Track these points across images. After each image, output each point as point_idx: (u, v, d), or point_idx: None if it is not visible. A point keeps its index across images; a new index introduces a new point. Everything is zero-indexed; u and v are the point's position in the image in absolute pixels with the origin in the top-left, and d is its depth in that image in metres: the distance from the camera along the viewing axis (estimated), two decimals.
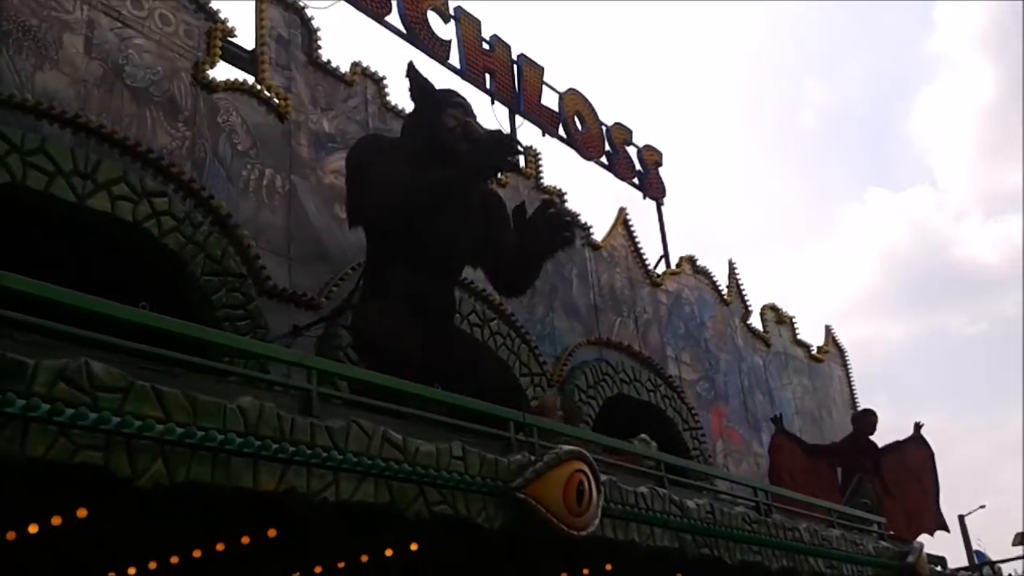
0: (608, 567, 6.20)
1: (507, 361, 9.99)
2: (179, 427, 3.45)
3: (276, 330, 7.50)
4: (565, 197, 11.87)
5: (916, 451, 12.47)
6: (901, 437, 12.73)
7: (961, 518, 23.40)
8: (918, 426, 12.74)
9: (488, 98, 11.30)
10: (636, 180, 13.83)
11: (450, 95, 7.69)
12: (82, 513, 3.51)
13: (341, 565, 4.94)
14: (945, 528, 12.49)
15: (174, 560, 4.30)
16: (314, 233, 8.48)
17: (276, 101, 8.66)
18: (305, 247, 8.35)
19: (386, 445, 4.26)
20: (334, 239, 8.54)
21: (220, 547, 4.19)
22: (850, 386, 17.02)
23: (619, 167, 13.49)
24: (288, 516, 3.94)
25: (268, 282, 7.79)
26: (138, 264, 7.17)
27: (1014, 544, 20.95)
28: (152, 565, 4.38)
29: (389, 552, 4.82)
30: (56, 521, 3.58)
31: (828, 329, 17.34)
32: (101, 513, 3.59)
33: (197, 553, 4.25)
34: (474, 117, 7.66)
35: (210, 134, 7.99)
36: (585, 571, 6.25)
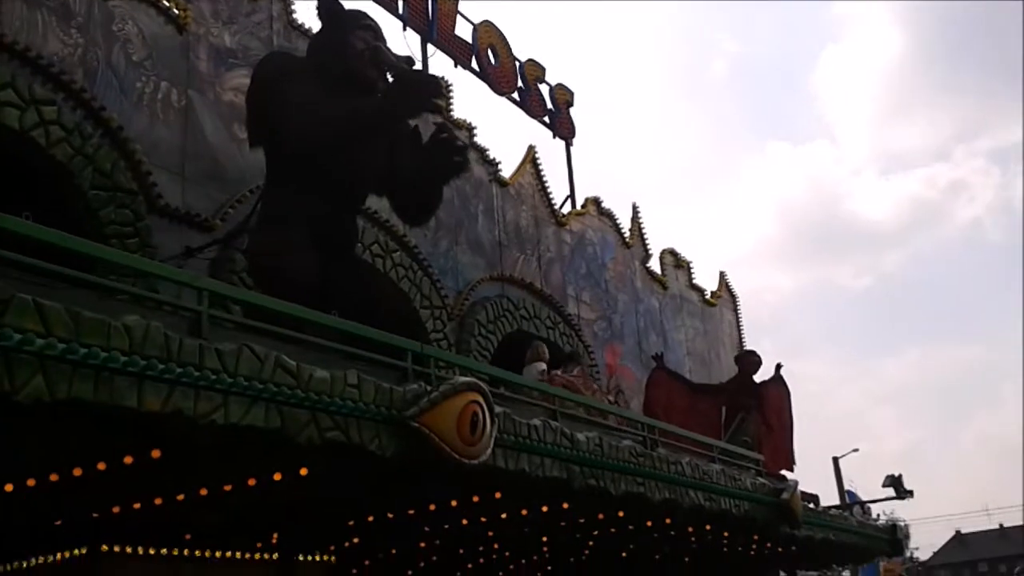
0: (498, 495, 6.34)
1: (408, 293, 9.97)
2: (61, 343, 3.33)
3: (167, 251, 7.27)
4: (475, 131, 11.78)
5: (777, 391, 13.07)
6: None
7: (835, 460, 24.83)
8: (778, 367, 13.35)
9: (400, 24, 11.05)
10: (547, 119, 13.83)
11: (359, 17, 7.47)
12: None
13: (228, 488, 4.90)
14: (793, 464, 13.14)
15: (54, 478, 4.19)
16: (210, 152, 8.20)
17: (175, 12, 8.27)
18: (200, 166, 8.07)
19: (279, 370, 4.20)
20: (232, 159, 8.28)
21: (101, 466, 4.10)
22: (739, 330, 17.67)
23: (530, 104, 13.45)
24: (173, 437, 3.86)
25: (160, 200, 7.52)
26: (22, 174, 6.82)
27: (884, 486, 22.36)
28: (31, 482, 4.25)
29: (278, 476, 4.79)
30: None
31: (722, 275, 17.91)
32: None
33: (78, 471, 4.15)
34: (384, 42, 7.46)
35: (104, 42, 7.59)
36: (475, 498, 6.38)
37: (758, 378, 13.09)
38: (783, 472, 12.33)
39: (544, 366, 9.75)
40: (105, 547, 6.09)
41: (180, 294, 4.68)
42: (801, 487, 10.67)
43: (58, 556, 6.28)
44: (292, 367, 4.28)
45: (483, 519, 7.30)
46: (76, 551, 6.18)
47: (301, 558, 6.88)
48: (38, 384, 3.24)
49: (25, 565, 6.47)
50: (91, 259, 4.28)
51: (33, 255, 3.65)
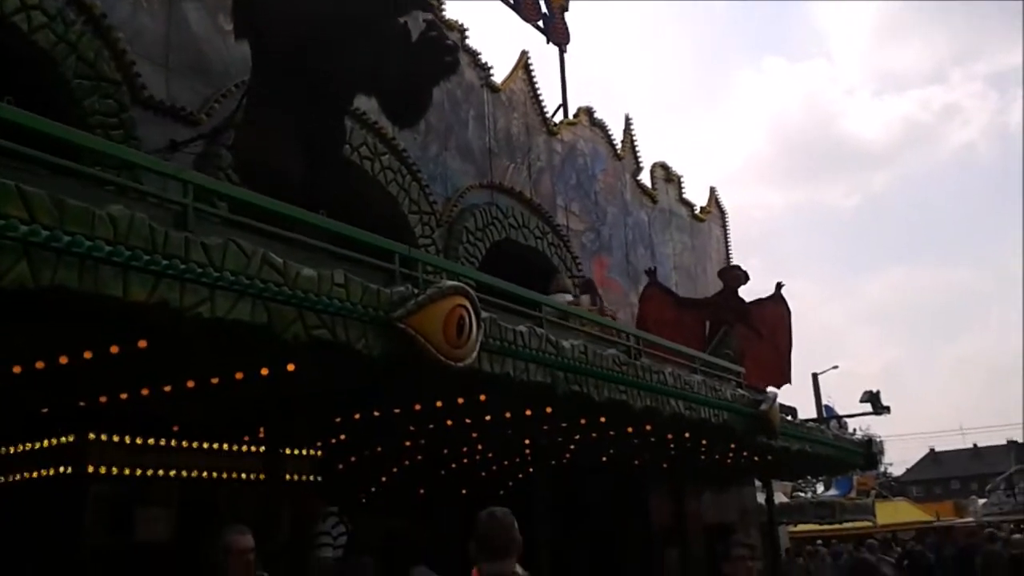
0: (482, 398, 6.43)
1: (396, 198, 9.90)
2: (44, 230, 3.29)
3: (151, 144, 7.15)
4: (466, 33, 11.52)
5: (775, 309, 13.22)
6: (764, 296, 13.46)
7: (815, 376, 25.24)
8: (779, 285, 13.46)
9: None
10: (541, 23, 13.52)
11: None
12: None
13: (215, 381, 4.94)
14: (789, 382, 13.41)
15: (39, 365, 4.20)
16: (195, 43, 7.99)
17: None
18: (185, 57, 7.87)
19: (265, 267, 4.18)
20: (217, 52, 8.07)
21: (87, 355, 4.11)
22: (727, 246, 17.72)
23: (524, 7, 13.15)
24: (159, 328, 3.86)
25: (144, 92, 7.36)
26: (4, 62, 6.64)
27: (862, 401, 22.80)
28: (16, 369, 4.27)
29: (265, 371, 4.83)
30: None
31: (712, 190, 17.85)
32: None
33: (64, 360, 4.16)
34: None
35: None
36: (460, 400, 6.47)
37: (752, 295, 13.24)
38: (780, 388, 12.57)
39: (570, 297, 9.76)
40: (92, 435, 6.19)
41: (165, 187, 4.62)
42: (780, 401, 10.88)
43: (45, 443, 6.37)
44: (279, 264, 4.26)
45: (467, 420, 7.43)
46: (64, 439, 6.27)
47: (288, 452, 6.99)
48: (22, 270, 3.21)
49: (12, 451, 6.58)
50: (75, 148, 4.20)
51: (15, 142, 3.58)
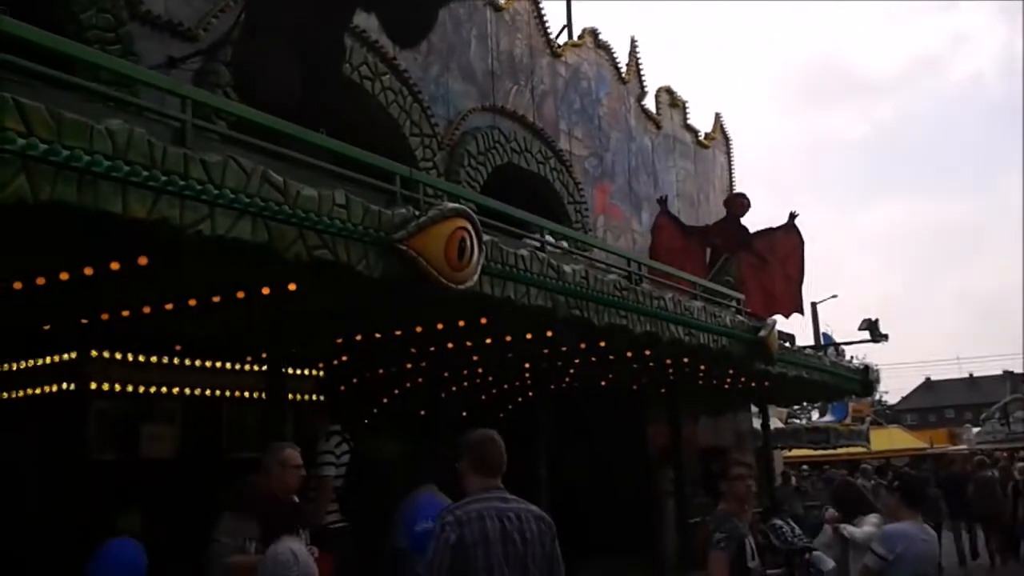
0: (483, 321, 6.45)
1: (397, 119, 9.77)
2: (43, 143, 3.24)
3: (149, 60, 7.02)
4: None
5: (786, 238, 13.21)
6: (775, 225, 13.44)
7: (814, 304, 25.34)
8: (792, 215, 13.42)
9: None
10: None
11: None
12: None
13: (216, 299, 4.95)
14: (800, 312, 13.49)
15: (40, 281, 4.20)
16: None
17: None
18: None
19: (265, 185, 4.14)
20: None
21: (88, 271, 4.10)
22: (731, 174, 17.58)
23: None
24: (160, 246, 3.85)
25: (141, 7, 7.20)
26: None
27: (860, 328, 22.92)
28: (17, 285, 4.27)
29: (266, 291, 4.83)
30: None
31: (717, 116, 17.62)
32: None
33: (65, 276, 4.16)
34: None
35: None
36: (461, 323, 6.49)
37: (756, 225, 13.21)
38: (789, 317, 12.62)
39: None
40: (95, 352, 6.25)
41: (163, 103, 4.55)
42: (778, 328, 10.94)
43: (48, 359, 6.44)
44: (279, 183, 4.22)
45: (468, 343, 7.47)
46: (66, 355, 6.33)
47: (290, 371, 7.05)
48: (20, 184, 3.17)
49: (15, 367, 6.64)
50: (72, 61, 4.13)
51: (12, 55, 3.51)
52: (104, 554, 5.24)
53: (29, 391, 6.54)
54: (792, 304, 13.25)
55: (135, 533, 5.44)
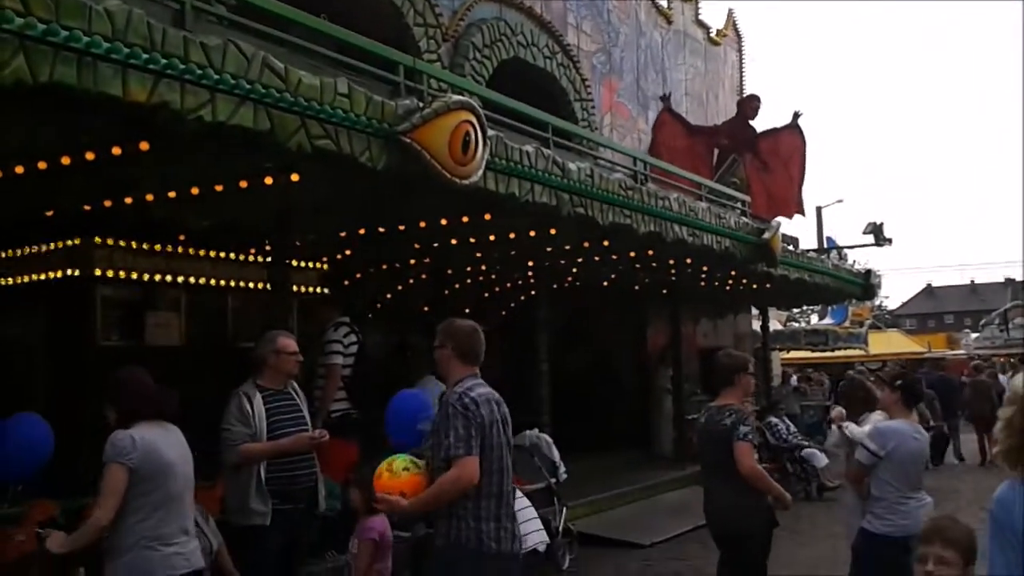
0: (487, 217, 6.44)
1: (400, 8, 9.52)
2: (41, 23, 3.17)
3: None
4: None
5: (790, 138, 13.04)
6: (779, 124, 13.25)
7: (819, 209, 25.21)
8: (796, 115, 13.21)
9: None
10: None
11: None
12: None
13: (219, 188, 4.93)
14: (802, 213, 13.44)
15: (42, 165, 4.18)
16: None
17: None
18: None
19: (266, 71, 4.06)
20: None
21: (90, 156, 4.08)
22: (741, 73, 17.23)
23: None
24: (162, 132, 3.81)
25: None
26: None
27: (865, 232, 22.88)
28: (19, 169, 4.25)
29: (269, 180, 4.81)
30: None
31: (730, 12, 17.16)
32: None
33: (66, 160, 4.13)
34: None
35: None
36: (465, 219, 6.49)
37: (769, 125, 13.03)
38: (792, 218, 12.58)
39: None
40: (99, 239, 6.27)
41: None
42: (782, 231, 10.92)
43: (51, 245, 6.48)
44: (280, 69, 4.14)
45: (472, 240, 7.48)
46: (70, 241, 6.36)
47: (295, 264, 7.08)
48: (19, 65, 3.12)
49: (20, 253, 6.68)
50: None
51: None
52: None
53: (35, 276, 6.60)
54: (796, 205, 13.20)
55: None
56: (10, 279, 6.79)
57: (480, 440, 3.41)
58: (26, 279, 6.66)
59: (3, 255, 6.82)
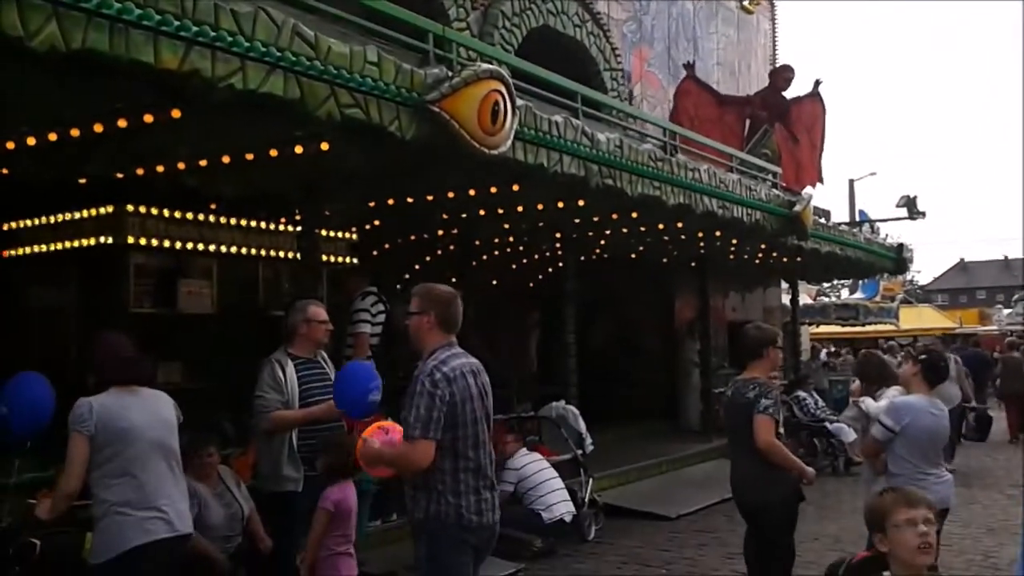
0: (515, 188, 6.41)
1: None
2: None
3: None
4: None
5: (811, 107, 12.84)
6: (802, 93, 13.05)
7: (851, 181, 24.90)
8: (817, 83, 13.01)
9: None
10: None
11: None
12: None
13: (250, 157, 4.95)
14: (822, 181, 13.25)
15: (75, 133, 4.22)
16: None
17: None
18: None
19: (296, 39, 4.05)
20: None
21: (122, 123, 4.11)
22: (774, 42, 16.97)
23: None
24: (193, 99, 3.82)
25: None
26: None
27: (898, 205, 22.54)
28: (52, 136, 4.29)
29: (299, 149, 4.82)
30: None
31: None
32: None
33: (99, 128, 4.17)
34: None
35: None
36: (493, 189, 6.47)
37: (791, 93, 12.80)
38: (813, 187, 12.41)
39: None
40: (131, 207, 6.34)
41: None
42: (814, 203, 10.79)
43: (85, 213, 6.56)
44: (310, 37, 4.14)
45: (500, 211, 7.46)
46: (103, 209, 6.43)
47: (324, 233, 7.12)
48: (52, 32, 3.13)
49: (54, 220, 6.78)
50: None
51: None
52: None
53: (69, 244, 6.69)
54: (817, 174, 13.02)
55: (176, 383, 5.56)
56: (44, 246, 6.89)
57: (452, 417, 3.33)
58: (60, 246, 6.76)
59: (38, 222, 6.92)
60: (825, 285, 25.21)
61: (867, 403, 5.12)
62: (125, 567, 3.37)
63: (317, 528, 4.30)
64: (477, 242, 9.86)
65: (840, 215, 21.35)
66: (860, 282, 24.21)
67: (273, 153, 4.89)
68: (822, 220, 12.26)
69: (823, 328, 23.12)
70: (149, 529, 3.41)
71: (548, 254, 10.70)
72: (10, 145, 4.51)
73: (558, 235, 9.17)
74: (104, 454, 3.41)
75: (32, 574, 3.68)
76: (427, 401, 3.28)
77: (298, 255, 6.65)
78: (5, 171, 5.15)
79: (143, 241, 6.47)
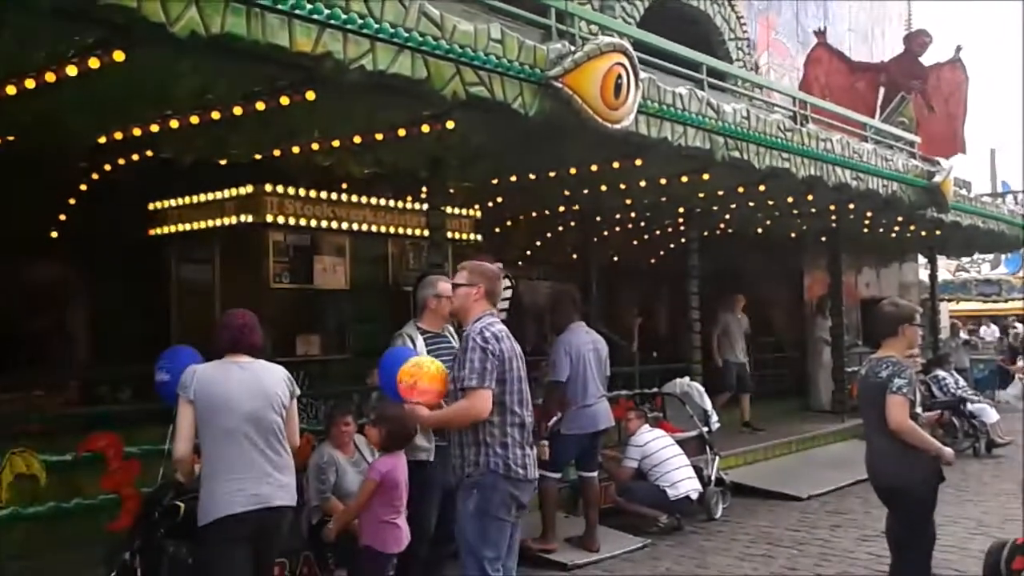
0: (638, 162, 6.35)
1: None
2: None
3: None
4: None
5: (951, 74, 12.16)
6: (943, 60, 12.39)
7: (992, 152, 23.51)
8: (958, 49, 12.30)
9: None
10: None
11: None
12: (119, 56, 3.54)
13: (379, 137, 5.08)
14: (964, 152, 12.56)
15: (215, 115, 4.43)
16: None
17: None
18: None
19: (423, 19, 4.14)
20: None
21: (260, 106, 4.29)
22: (910, 6, 16.12)
23: None
24: (326, 81, 3.96)
25: None
26: None
27: None
28: (194, 119, 4.52)
29: (426, 128, 4.92)
30: (94, 63, 3.62)
31: None
32: (138, 60, 3.62)
33: (238, 110, 4.36)
34: None
35: None
36: (615, 164, 6.42)
37: (929, 59, 12.18)
38: (951, 157, 11.81)
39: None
40: (269, 187, 6.66)
41: None
42: (954, 174, 10.23)
43: (226, 193, 6.93)
44: (436, 16, 4.21)
45: (622, 186, 7.40)
46: (242, 189, 6.79)
47: (448, 210, 7.27)
48: (192, 17, 3.30)
49: (198, 200, 7.18)
50: None
51: None
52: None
53: (212, 222, 7.08)
54: (956, 144, 12.32)
55: (314, 355, 5.73)
56: (189, 224, 7.30)
57: (501, 373, 3.55)
58: (202, 224, 7.16)
59: (182, 202, 7.34)
60: (966, 259, 23.88)
61: None
62: (213, 535, 3.47)
63: (361, 496, 4.35)
64: (598, 218, 9.82)
65: (982, 186, 20.21)
66: (1003, 256, 22.84)
67: (401, 132, 5.01)
68: (963, 191, 11.62)
69: (964, 305, 21.97)
70: (233, 501, 3.43)
71: (670, 229, 10.55)
72: (154, 128, 4.78)
73: (681, 210, 9.02)
74: (203, 420, 3.46)
75: (176, 534, 3.88)
76: (480, 355, 3.52)
77: (425, 232, 6.80)
78: (150, 153, 5.46)
79: (280, 220, 6.78)
